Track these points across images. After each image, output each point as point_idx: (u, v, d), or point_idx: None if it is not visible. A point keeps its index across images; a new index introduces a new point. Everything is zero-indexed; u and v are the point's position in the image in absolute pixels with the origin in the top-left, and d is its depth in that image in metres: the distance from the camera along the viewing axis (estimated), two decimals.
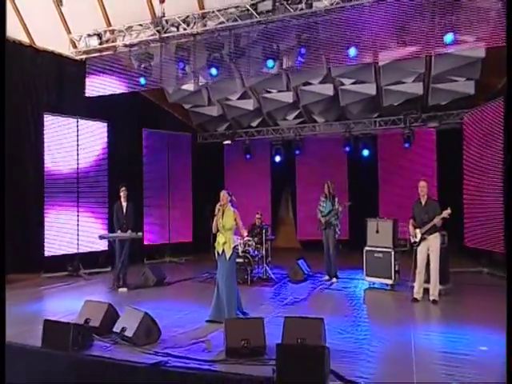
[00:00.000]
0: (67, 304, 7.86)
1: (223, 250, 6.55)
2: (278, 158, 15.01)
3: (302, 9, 8.51)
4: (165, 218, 13.10)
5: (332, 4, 8.30)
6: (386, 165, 14.24)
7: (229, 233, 6.59)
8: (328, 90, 11.91)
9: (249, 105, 13.06)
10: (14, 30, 10.41)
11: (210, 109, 13.43)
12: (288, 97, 12.42)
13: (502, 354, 5.27)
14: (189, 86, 11.38)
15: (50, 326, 5.33)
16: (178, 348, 5.38)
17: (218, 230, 6.70)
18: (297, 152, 14.75)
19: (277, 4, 8.58)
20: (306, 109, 13.18)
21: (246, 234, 7.60)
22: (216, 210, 6.75)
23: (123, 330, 5.47)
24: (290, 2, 8.57)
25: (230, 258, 6.53)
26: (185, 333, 6.05)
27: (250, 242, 9.48)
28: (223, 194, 6.76)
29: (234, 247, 6.71)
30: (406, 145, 13.20)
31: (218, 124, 14.62)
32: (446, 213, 7.48)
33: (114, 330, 5.64)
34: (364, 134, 14.11)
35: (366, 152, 14.02)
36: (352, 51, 8.42)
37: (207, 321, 6.45)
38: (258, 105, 13.04)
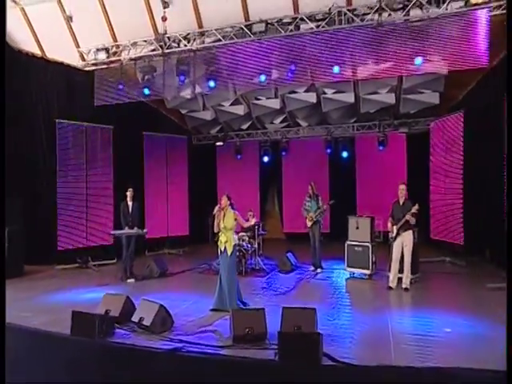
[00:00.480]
0: (83, 294, 8.05)
1: (225, 248, 6.80)
2: (266, 159, 15.15)
3: (291, 30, 8.78)
4: (164, 213, 13.17)
5: (318, 27, 8.62)
6: (362, 165, 14.49)
7: (230, 232, 6.84)
8: (311, 97, 12.17)
9: (239, 110, 13.20)
10: (27, 43, 10.55)
11: (204, 113, 13.53)
12: (275, 103, 12.61)
13: (463, 334, 5.81)
14: (186, 94, 11.46)
15: (77, 317, 5.60)
16: (190, 335, 5.66)
17: (219, 230, 6.90)
18: (283, 153, 14.93)
19: (269, 25, 8.83)
20: (292, 114, 13.39)
21: (247, 224, 7.59)
22: (216, 212, 6.93)
23: (141, 319, 5.75)
24: (280, 23, 8.84)
25: (231, 255, 6.80)
26: (193, 321, 6.31)
27: (244, 237, 9.78)
28: (224, 198, 6.99)
29: (235, 245, 6.95)
30: (380, 147, 13.57)
31: (211, 127, 14.68)
32: (415, 208, 7.92)
33: (133, 319, 5.89)
34: (343, 137, 14.31)
35: (345, 154, 14.27)
36: (336, 69, 8.69)
37: (211, 309, 6.73)
38: (247, 110, 13.21)
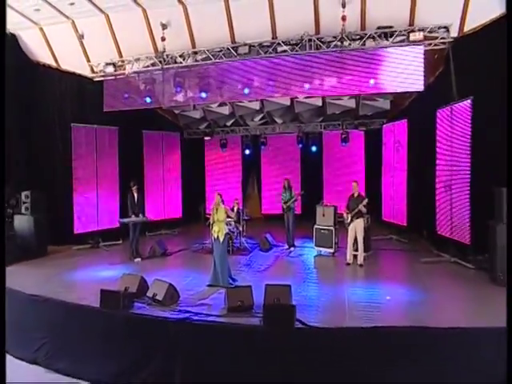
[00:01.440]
0: (99, 272, 8.56)
1: (218, 237, 7.46)
2: (247, 151, 15.46)
3: (270, 52, 9.25)
4: (161, 198, 13.48)
5: (292, 50, 9.18)
6: (328, 158, 14.94)
7: (222, 224, 7.50)
8: (286, 101, 12.53)
9: (225, 110, 13.45)
10: (43, 56, 10.67)
11: (194, 112, 13.72)
12: (256, 105, 12.89)
13: (399, 300, 6.59)
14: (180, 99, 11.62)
15: (105, 294, 6.19)
16: (193, 306, 6.33)
17: (213, 222, 7.54)
18: (262, 146, 15.20)
19: (251, 48, 9.27)
20: (269, 113, 13.74)
21: (234, 215, 8.55)
22: (213, 207, 7.64)
23: (154, 295, 6.41)
24: (261, 46, 9.30)
25: (222, 242, 7.47)
26: (194, 294, 6.94)
27: (231, 222, 10.15)
28: (216, 197, 7.65)
29: (226, 234, 7.60)
30: (343, 143, 14.02)
31: (200, 124, 14.82)
32: (365, 201, 8.72)
33: (147, 295, 6.54)
34: (312, 134, 14.78)
35: (314, 148, 14.76)
36: (306, 86, 9.21)
37: (208, 285, 7.37)
38: (232, 110, 13.44)
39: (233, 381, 5.15)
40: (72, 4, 8.66)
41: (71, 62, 10.80)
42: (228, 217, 7.96)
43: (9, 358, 6.34)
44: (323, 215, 9.81)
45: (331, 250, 9.63)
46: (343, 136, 14.03)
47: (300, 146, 14.87)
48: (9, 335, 6.41)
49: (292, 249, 10.46)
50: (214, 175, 15.58)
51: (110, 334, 5.87)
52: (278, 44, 9.21)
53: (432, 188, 9.63)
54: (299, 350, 5.12)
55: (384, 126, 12.59)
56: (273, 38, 9.43)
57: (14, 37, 10.28)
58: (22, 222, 9.62)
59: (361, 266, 8.74)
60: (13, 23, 9.40)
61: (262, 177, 15.75)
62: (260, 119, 14.37)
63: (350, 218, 8.84)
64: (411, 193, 10.84)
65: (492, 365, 4.84)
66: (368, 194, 11.68)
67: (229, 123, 14.77)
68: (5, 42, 7.11)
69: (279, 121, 14.50)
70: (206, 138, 15.42)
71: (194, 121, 14.53)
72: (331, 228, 9.62)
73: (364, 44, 8.80)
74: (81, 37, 10.04)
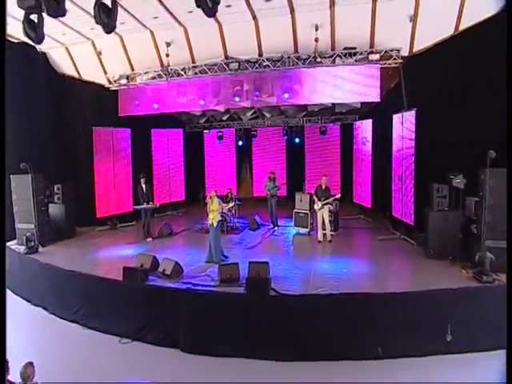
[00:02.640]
0: (119, 251, 9.43)
1: (212, 223, 8.36)
2: (240, 142, 15.91)
3: (257, 67, 9.92)
4: (167, 183, 14.15)
5: (274, 66, 9.82)
6: (309, 148, 15.43)
7: (216, 213, 8.37)
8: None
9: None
10: (68, 69, 11.23)
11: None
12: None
13: (353, 272, 7.44)
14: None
15: (126, 270, 7.20)
16: (193, 278, 7.30)
17: (209, 211, 8.43)
18: (253, 138, 15.81)
19: (241, 63, 9.90)
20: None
21: (227, 206, 9.52)
22: (208, 200, 8.51)
23: (164, 270, 7.37)
24: (248, 62, 9.86)
25: (216, 227, 8.36)
26: (195, 269, 7.85)
27: (225, 206, 11.27)
28: (212, 192, 8.55)
29: (219, 221, 8.46)
30: (322, 135, 14.76)
31: (200, 119, 15.17)
32: (337, 196, 9.71)
33: (158, 270, 7.49)
34: (296, 127, 15.29)
35: (297, 139, 15.29)
36: (286, 95, 9.92)
37: (205, 262, 8.27)
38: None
39: (223, 335, 6.21)
40: (92, 29, 9.22)
41: (91, 73, 11.25)
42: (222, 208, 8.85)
43: (53, 318, 7.49)
44: (301, 201, 10.68)
45: (307, 230, 10.51)
46: (322, 129, 14.76)
47: (285, 137, 15.46)
48: (53, 301, 7.58)
49: (276, 228, 11.28)
50: (212, 163, 16.21)
51: (130, 301, 6.85)
52: (263, 60, 9.80)
53: (389, 178, 10.58)
54: (273, 312, 6.16)
55: (355, 122, 13.36)
56: (259, 55, 9.97)
57: (44, 55, 10.89)
58: (55, 209, 10.43)
59: (330, 241, 9.64)
60: (43, 43, 9.97)
61: (253, 164, 16.22)
62: (251, 114, 14.78)
63: (320, 205, 9.76)
64: (374, 180, 11.78)
65: (426, 323, 5.93)
66: (342, 179, 12.73)
67: (224, 118, 15.19)
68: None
69: (268, 115, 14.84)
70: (205, 132, 15.94)
71: (194, 117, 15.00)
72: (307, 212, 10.47)
73: (334, 61, 9.43)
74: (99, 53, 10.53)
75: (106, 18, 4.37)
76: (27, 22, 4.39)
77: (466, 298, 6.18)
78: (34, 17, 4.33)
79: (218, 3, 4.60)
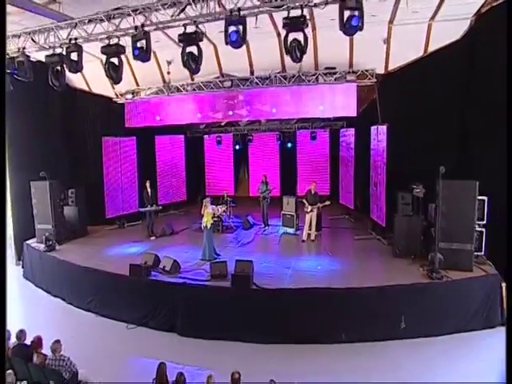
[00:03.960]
0: (126, 248, 10.26)
1: (206, 225, 9.29)
2: (237, 146, 16.87)
3: (248, 84, 10.73)
4: (169, 185, 15.15)
5: (263, 84, 10.78)
6: (300, 152, 16.38)
7: (209, 217, 9.33)
8: None
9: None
10: (80, 84, 12.09)
11: None
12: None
13: (326, 269, 8.24)
14: None
15: (132, 266, 8.10)
16: (189, 273, 8.20)
17: (203, 215, 9.40)
18: (249, 143, 16.78)
19: (233, 81, 10.78)
20: None
21: (220, 211, 10.52)
22: (203, 206, 9.54)
23: (164, 267, 8.30)
24: (240, 80, 10.82)
25: (209, 229, 9.29)
26: (191, 265, 8.71)
27: (220, 208, 11.80)
28: (205, 200, 9.61)
29: (211, 224, 9.38)
30: (312, 140, 15.73)
31: (199, 125, 16.13)
32: (327, 203, 10.54)
33: (160, 267, 8.43)
34: (288, 133, 16.28)
35: (289, 144, 16.26)
36: (274, 110, 10.91)
37: (200, 259, 9.14)
38: None
39: (213, 321, 7.31)
40: None
41: (100, 88, 11.98)
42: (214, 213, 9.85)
43: (70, 307, 8.65)
44: (287, 204, 11.63)
45: (293, 230, 11.42)
46: (312, 135, 15.78)
47: (279, 142, 16.45)
48: (70, 292, 8.74)
49: (266, 228, 12.20)
50: (211, 165, 17.24)
51: (135, 293, 7.99)
52: (254, 78, 10.68)
53: (368, 183, 11.57)
54: (254, 303, 7.29)
55: (340, 130, 14.32)
56: (250, 73, 10.87)
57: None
58: (69, 211, 11.44)
59: (313, 240, 10.55)
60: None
61: (249, 166, 17.10)
62: (247, 120, 15.40)
63: (310, 208, 10.63)
64: (356, 184, 12.78)
65: (384, 314, 6.94)
66: (331, 181, 13.65)
67: (223, 124, 16.05)
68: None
69: (263, 121, 15.89)
70: (205, 137, 16.98)
71: (195, 123, 15.66)
72: (293, 213, 11.41)
73: (317, 79, 10.32)
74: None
75: (115, 73, 5.44)
76: (52, 72, 5.46)
77: (417, 292, 7.26)
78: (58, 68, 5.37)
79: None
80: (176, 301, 7.62)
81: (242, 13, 5.64)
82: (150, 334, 7.53)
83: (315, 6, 5.66)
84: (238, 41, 5.64)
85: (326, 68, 10.37)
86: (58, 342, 5.19)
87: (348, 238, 11.08)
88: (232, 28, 5.61)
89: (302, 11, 5.41)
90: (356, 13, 5.06)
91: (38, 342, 5.32)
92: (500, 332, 6.97)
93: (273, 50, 10.43)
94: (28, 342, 5.39)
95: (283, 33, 5.83)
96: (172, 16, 6.24)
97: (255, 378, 4.99)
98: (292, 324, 7.12)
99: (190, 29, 6.24)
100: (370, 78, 9.98)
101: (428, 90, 8.90)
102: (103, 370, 5.87)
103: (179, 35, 6.33)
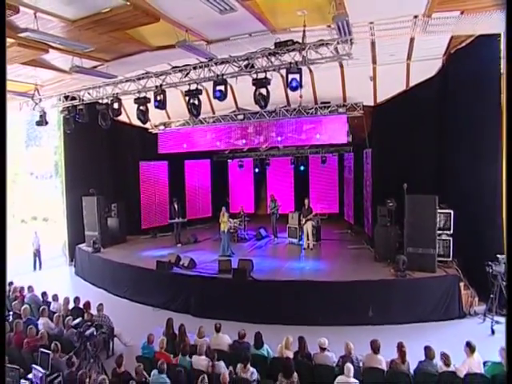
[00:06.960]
0: (157, 252, 12.19)
1: (223, 230, 11.39)
2: (256, 170, 18.81)
3: (258, 117, 12.93)
4: (197, 204, 17.29)
5: (270, 116, 12.88)
6: (312, 175, 17.97)
7: (225, 224, 11.43)
8: None
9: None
10: (123, 117, 13.93)
11: None
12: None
13: (315, 269, 9.76)
14: None
15: (159, 263, 10.08)
16: (202, 268, 10.06)
17: (221, 222, 11.49)
18: (267, 166, 18.71)
19: (245, 114, 12.99)
20: None
21: (234, 221, 12.57)
22: (221, 214, 11.65)
23: (183, 263, 10.29)
24: (251, 113, 12.99)
25: (226, 233, 11.39)
26: (209, 263, 10.54)
27: (236, 222, 13.79)
28: (223, 209, 11.66)
29: (228, 228, 11.49)
30: (322, 164, 17.33)
31: (224, 151, 18.07)
32: (312, 214, 12.22)
33: (181, 263, 10.41)
34: (301, 157, 18.01)
35: (302, 167, 17.97)
36: (279, 138, 13.01)
37: (219, 256, 11.07)
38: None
39: (219, 305, 9.11)
40: None
41: (138, 120, 14.48)
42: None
43: (110, 295, 10.81)
44: (292, 218, 13.35)
45: (296, 240, 13.05)
46: (322, 159, 17.39)
47: (292, 166, 18.24)
48: (111, 284, 10.90)
49: (276, 238, 13.87)
50: (234, 186, 19.32)
51: (161, 283, 9.97)
52: (263, 112, 12.45)
53: (362, 200, 13.18)
54: (251, 291, 9.09)
55: (345, 154, 16.06)
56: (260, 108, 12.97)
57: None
58: (112, 222, 13.75)
59: (311, 249, 12.13)
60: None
61: (267, 187, 18.85)
62: (266, 146, 17.62)
63: (304, 221, 12.42)
64: (354, 202, 14.38)
65: (356, 302, 8.39)
66: (339, 200, 15.23)
67: (245, 149, 17.92)
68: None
69: (280, 147, 17.60)
70: (229, 161, 19.07)
71: (220, 149, 18.08)
72: (296, 226, 13.07)
73: (316, 111, 12.12)
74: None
75: (143, 117, 7.84)
76: (101, 115, 7.99)
77: (383, 286, 8.78)
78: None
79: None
80: (191, 289, 9.55)
81: (224, 77, 7.93)
82: (170, 315, 9.14)
83: (275, 70, 7.76)
84: (221, 96, 7.95)
85: (322, 102, 12.30)
86: (101, 304, 7.35)
87: (343, 248, 12.47)
88: (218, 87, 7.86)
89: (266, 75, 7.60)
90: (297, 76, 7.09)
91: (87, 305, 7.50)
92: (457, 324, 8.31)
93: (278, 88, 12.46)
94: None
95: (253, 88, 7.86)
96: (180, 78, 8.57)
97: None
98: (279, 308, 8.73)
99: (193, 86, 8.52)
100: (358, 110, 11.80)
101: (409, 119, 10.42)
102: (134, 335, 7.83)
103: (185, 91, 8.63)
